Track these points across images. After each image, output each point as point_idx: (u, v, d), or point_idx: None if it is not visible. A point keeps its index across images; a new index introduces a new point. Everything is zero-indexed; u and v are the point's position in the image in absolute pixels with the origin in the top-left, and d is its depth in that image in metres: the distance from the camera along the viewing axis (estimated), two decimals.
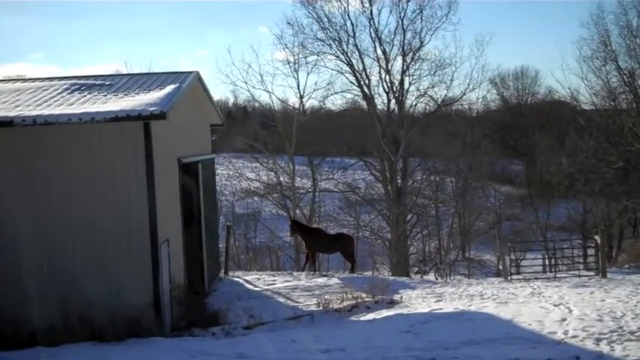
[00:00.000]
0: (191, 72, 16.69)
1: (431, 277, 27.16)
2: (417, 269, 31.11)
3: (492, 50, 74.64)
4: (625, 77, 39.45)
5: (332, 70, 43.06)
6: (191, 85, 15.92)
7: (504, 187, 60.86)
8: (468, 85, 42.98)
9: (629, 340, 9.93)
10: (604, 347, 9.62)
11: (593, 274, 22.73)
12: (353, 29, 42.28)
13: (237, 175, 46.99)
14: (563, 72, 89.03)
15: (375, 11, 42.31)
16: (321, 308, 15.45)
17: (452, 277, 30.54)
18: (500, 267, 26.81)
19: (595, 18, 40.43)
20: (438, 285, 19.79)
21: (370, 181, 46.21)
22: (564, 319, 11.72)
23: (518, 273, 26.63)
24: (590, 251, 27.67)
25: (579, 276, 22.39)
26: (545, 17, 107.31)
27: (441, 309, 14.03)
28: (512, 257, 29.54)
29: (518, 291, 17.04)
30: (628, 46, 39.37)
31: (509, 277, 22.16)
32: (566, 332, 10.72)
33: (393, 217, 39.77)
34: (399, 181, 41.84)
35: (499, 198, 54.64)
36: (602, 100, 42.02)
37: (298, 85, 43.72)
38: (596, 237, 23.72)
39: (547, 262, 31.62)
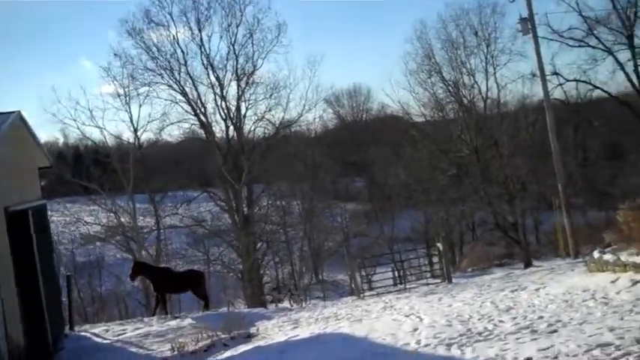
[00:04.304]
0: (11, 112, 15.58)
1: (286, 304, 27.07)
2: (271, 298, 30.95)
3: (325, 70, 77.07)
4: (450, 88, 41.77)
5: (166, 100, 42.55)
6: (12, 126, 14.89)
7: (349, 204, 62.19)
8: (304, 106, 43.87)
9: (477, 342, 10.20)
10: (455, 351, 9.82)
11: (439, 280, 23.61)
12: (184, 57, 42.03)
13: (74, 221, 44.72)
14: (392, 86, 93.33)
15: (205, 38, 42.28)
16: (176, 353, 14.85)
17: (307, 302, 30.60)
18: (354, 285, 27.23)
19: (418, 33, 42.68)
20: (294, 311, 19.71)
21: (216, 212, 45.62)
22: (416, 329, 11.92)
23: (371, 289, 27.19)
24: (436, 259, 28.74)
25: (427, 284, 23.16)
26: (372, 35, 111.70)
27: (298, 335, 13.89)
28: (363, 274, 30.22)
29: (371, 307, 17.26)
30: (450, 58, 41.83)
31: (361, 295, 22.49)
32: (418, 342, 10.88)
33: (242, 247, 39.42)
34: (245, 209, 41.55)
35: (345, 216, 55.77)
36: (432, 111, 44.26)
37: (131, 119, 42.63)
38: (438, 244, 24.73)
39: (397, 275, 32.53)
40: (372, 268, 33.62)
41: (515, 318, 11.51)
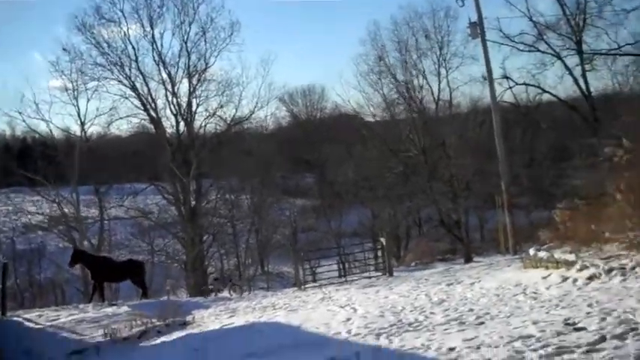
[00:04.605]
0: None
1: (226, 293, 26.96)
2: (211, 287, 30.81)
3: (279, 69, 78.06)
4: (400, 89, 42.04)
5: (115, 95, 41.73)
6: None
7: (299, 199, 62.14)
8: (257, 103, 43.73)
9: (406, 332, 10.27)
10: (383, 341, 9.88)
11: (381, 274, 23.77)
12: (135, 53, 41.53)
13: (17, 210, 43.77)
14: (342, 87, 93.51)
15: (157, 34, 41.93)
16: (108, 338, 14.62)
17: (250, 292, 30.42)
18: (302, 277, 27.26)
19: (372, 35, 42.90)
20: (233, 301, 19.68)
21: (163, 205, 45.11)
22: (349, 319, 11.97)
23: (315, 280, 27.23)
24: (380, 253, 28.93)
25: (370, 277, 23.28)
26: (326, 36, 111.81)
27: (232, 323, 13.84)
28: (308, 266, 30.25)
29: (310, 298, 17.33)
30: (403, 60, 42.08)
31: (302, 286, 22.52)
32: (349, 331, 10.92)
33: (187, 239, 39.12)
34: (192, 202, 41.23)
35: (294, 211, 55.74)
36: (383, 112, 44.51)
37: (79, 113, 41.70)
38: (382, 239, 24.89)
39: (341, 267, 32.65)
40: (317, 260, 33.61)
41: (446, 310, 11.66)
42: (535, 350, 7.84)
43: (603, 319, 8.70)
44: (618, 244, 13.85)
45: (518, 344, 8.22)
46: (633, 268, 11.97)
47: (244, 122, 46.02)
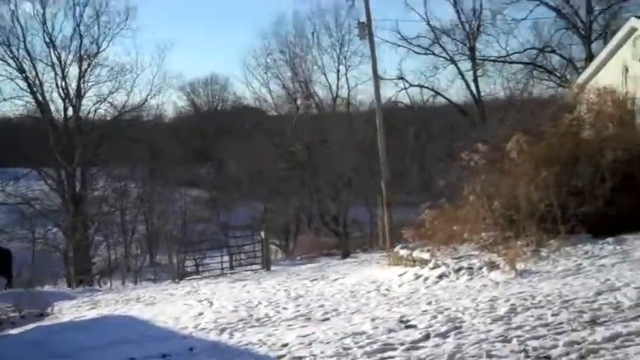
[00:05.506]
0: None
1: (96, 285, 26.46)
2: (79, 278, 30.34)
3: (180, 58, 77.17)
4: (290, 86, 42.39)
5: (0, 75, 40.20)
6: None
7: (193, 190, 61.12)
8: (150, 91, 43.04)
9: (252, 327, 10.30)
10: (224, 336, 9.85)
11: (260, 267, 23.86)
12: (23, 33, 40.12)
13: None
14: (229, 80, 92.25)
15: (48, 15, 40.59)
16: None
17: (137, 284, 29.59)
18: (187, 269, 27.12)
19: (274, 27, 43.27)
20: (100, 292, 19.29)
21: (48, 192, 43.62)
22: (201, 314, 11.93)
23: (198, 272, 27.03)
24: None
25: (252, 271, 23.31)
26: (229, 26, 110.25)
27: (84, 316, 13.56)
28: (192, 258, 30.00)
29: (178, 291, 17.24)
30: (301, 55, 42.44)
31: (176, 279, 22.35)
32: (197, 326, 10.87)
33: (68, 227, 38.05)
34: (78, 189, 40.15)
35: (185, 201, 54.97)
36: (274, 108, 44.87)
37: None
38: (262, 233, 24.99)
39: (228, 260, 32.51)
40: (203, 252, 33.34)
41: (299, 306, 11.77)
42: (362, 347, 7.92)
43: (434, 317, 8.90)
44: (474, 244, 14.40)
45: (348, 341, 8.30)
46: (480, 267, 12.45)
47: (137, 110, 45.35)
